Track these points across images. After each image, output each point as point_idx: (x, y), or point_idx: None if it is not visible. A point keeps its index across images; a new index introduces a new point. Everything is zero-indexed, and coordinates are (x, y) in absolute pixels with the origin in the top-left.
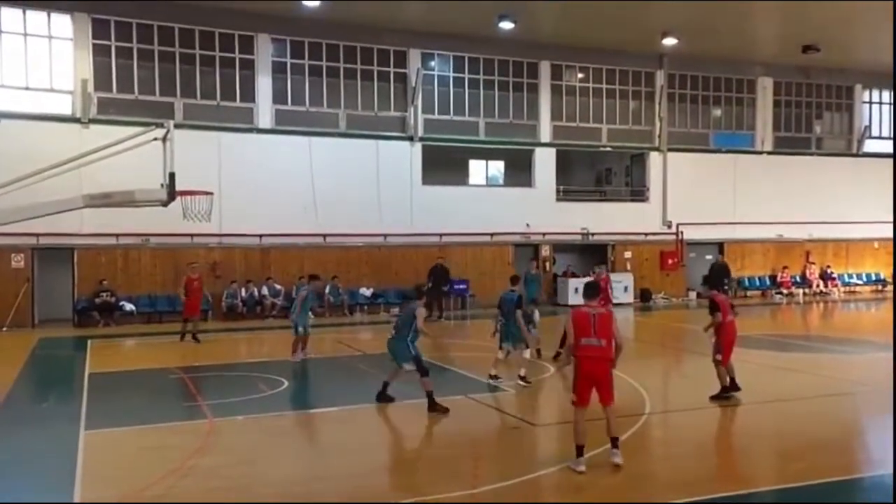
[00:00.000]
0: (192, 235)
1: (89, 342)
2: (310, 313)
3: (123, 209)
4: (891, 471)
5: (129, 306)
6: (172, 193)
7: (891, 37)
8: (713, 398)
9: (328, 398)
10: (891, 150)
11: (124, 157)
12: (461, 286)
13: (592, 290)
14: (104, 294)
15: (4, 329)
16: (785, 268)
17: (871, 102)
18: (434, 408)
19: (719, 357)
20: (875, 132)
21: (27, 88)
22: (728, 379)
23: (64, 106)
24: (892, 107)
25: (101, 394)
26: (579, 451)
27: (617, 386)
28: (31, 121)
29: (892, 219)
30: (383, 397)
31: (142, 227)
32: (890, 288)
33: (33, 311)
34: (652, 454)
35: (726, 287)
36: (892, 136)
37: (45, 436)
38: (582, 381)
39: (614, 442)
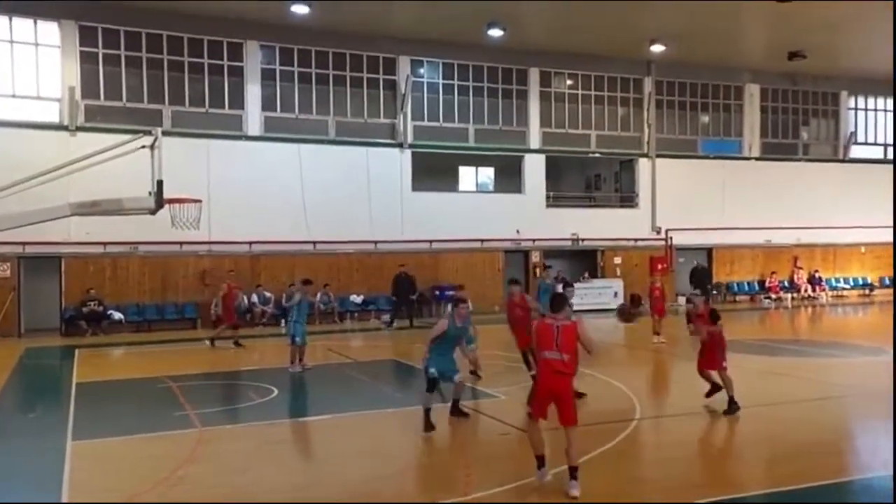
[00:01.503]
0: (181, 243)
1: (77, 351)
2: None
3: (111, 217)
4: (883, 472)
5: (117, 315)
6: (161, 201)
7: (876, 43)
8: (726, 412)
9: (319, 406)
10: (876, 156)
11: (112, 165)
12: (452, 292)
13: (558, 302)
14: (92, 303)
15: None
16: (773, 273)
17: (856, 109)
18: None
19: (725, 364)
20: (861, 138)
21: (14, 96)
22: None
23: (51, 113)
24: (893, 113)
25: (88, 403)
26: (540, 461)
27: (608, 392)
28: (17, 128)
29: (879, 224)
30: (457, 411)
31: (130, 236)
32: (877, 292)
33: (20, 321)
34: (643, 459)
35: (715, 292)
36: (887, 141)
37: (31, 446)
38: (541, 395)
39: (573, 472)
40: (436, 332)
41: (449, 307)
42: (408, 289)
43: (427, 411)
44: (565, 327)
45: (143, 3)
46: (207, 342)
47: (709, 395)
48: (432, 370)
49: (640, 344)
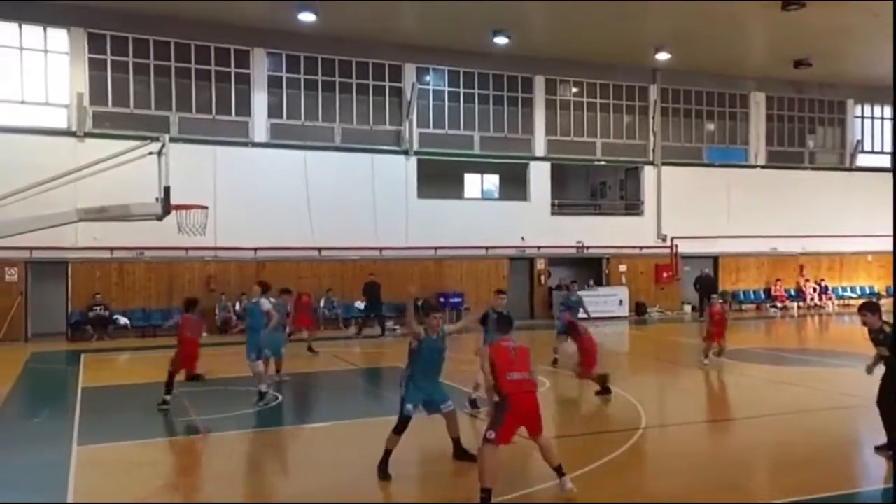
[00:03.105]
0: (186, 249)
1: (82, 356)
2: (285, 331)
3: (118, 223)
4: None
5: (123, 320)
6: (167, 207)
7: (882, 51)
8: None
9: (324, 413)
10: (883, 165)
11: (119, 171)
12: (456, 299)
13: (507, 324)
14: (98, 308)
15: None
16: (778, 280)
17: (862, 117)
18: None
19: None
20: (867, 146)
21: (23, 102)
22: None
23: (59, 119)
24: (893, 120)
25: (94, 408)
26: (488, 494)
27: (613, 400)
28: (26, 134)
29: (885, 233)
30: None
31: (136, 241)
32: (884, 301)
33: (26, 325)
34: (648, 468)
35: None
36: (892, 149)
37: (37, 451)
38: (516, 417)
39: (559, 470)
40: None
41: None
42: (376, 296)
43: (388, 454)
44: (519, 349)
45: (152, 11)
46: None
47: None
48: (409, 406)
49: (644, 352)
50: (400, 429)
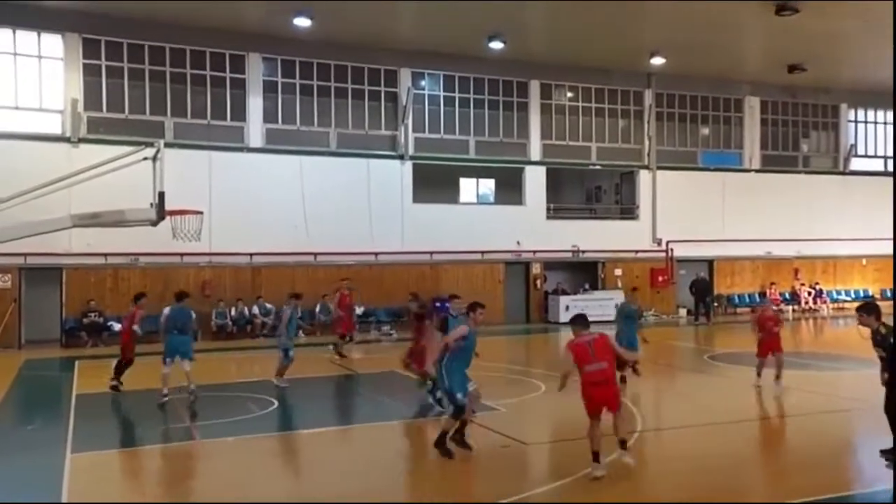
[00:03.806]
0: (181, 255)
1: (77, 363)
2: (298, 334)
3: (113, 228)
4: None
5: (117, 326)
6: (162, 213)
7: (875, 55)
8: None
9: (319, 418)
10: (876, 169)
11: (114, 177)
12: (446, 304)
13: (584, 322)
14: (92, 314)
15: None
16: (772, 284)
17: (856, 121)
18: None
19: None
20: (861, 150)
21: (17, 108)
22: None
23: (54, 125)
24: (893, 120)
25: (88, 415)
26: (595, 456)
27: None
28: (20, 140)
29: (879, 236)
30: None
31: (131, 247)
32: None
33: (20, 332)
34: (645, 471)
35: (715, 303)
36: (887, 154)
37: (31, 458)
38: (590, 404)
39: (623, 444)
40: (455, 336)
41: (463, 313)
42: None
43: (444, 435)
44: (596, 339)
45: (147, 16)
46: (335, 355)
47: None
48: (460, 395)
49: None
50: (457, 415)
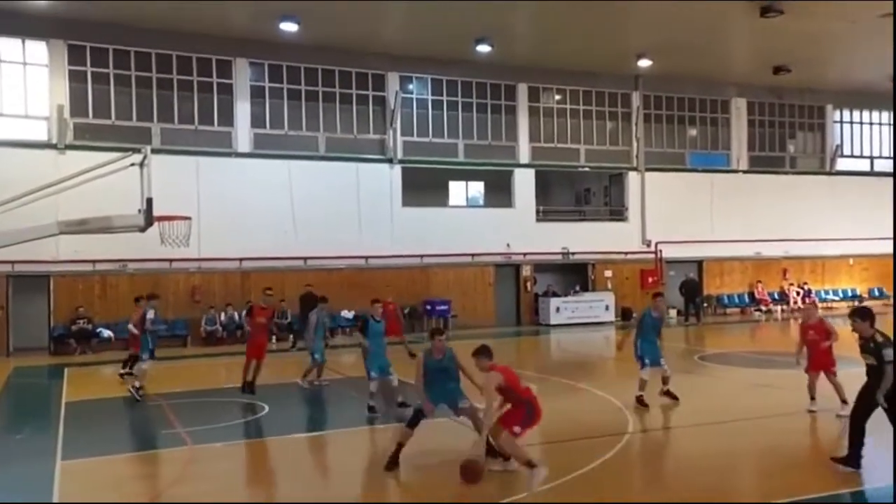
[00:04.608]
0: (170, 261)
1: (66, 370)
2: (326, 337)
3: (100, 235)
4: (880, 484)
5: (106, 333)
6: (150, 219)
7: (859, 57)
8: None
9: (310, 423)
10: (862, 169)
11: (101, 183)
12: (443, 307)
13: (488, 350)
14: (81, 321)
15: None
16: (759, 282)
17: (841, 122)
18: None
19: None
20: (846, 151)
21: (2, 115)
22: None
23: (39, 132)
24: (893, 120)
25: (77, 422)
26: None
27: (601, 406)
28: (5, 147)
29: (866, 236)
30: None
31: (119, 254)
32: (866, 304)
33: (8, 340)
34: (635, 472)
35: (705, 304)
36: (872, 154)
37: (20, 466)
38: (535, 422)
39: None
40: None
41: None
42: (312, 308)
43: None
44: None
45: (132, 22)
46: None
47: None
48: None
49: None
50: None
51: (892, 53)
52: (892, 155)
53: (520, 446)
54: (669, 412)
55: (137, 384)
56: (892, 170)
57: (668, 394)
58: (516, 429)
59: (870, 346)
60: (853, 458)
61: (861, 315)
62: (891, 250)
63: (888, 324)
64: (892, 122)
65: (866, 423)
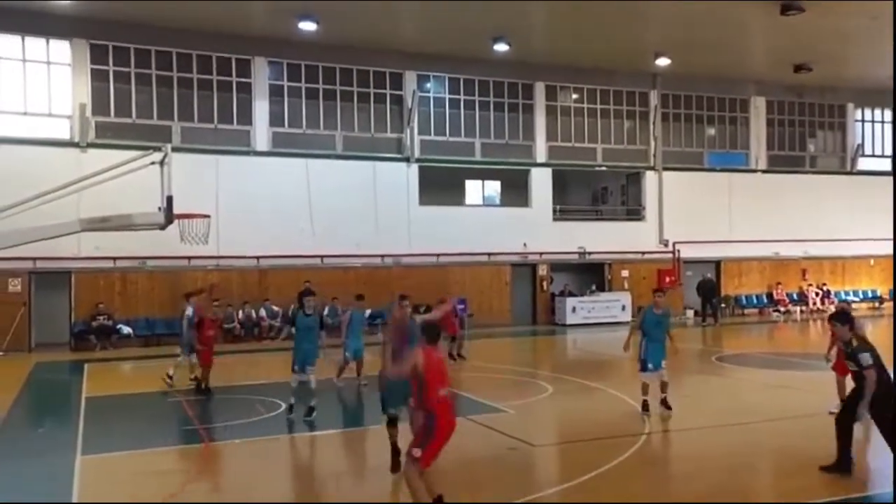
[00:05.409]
0: (189, 258)
1: (86, 366)
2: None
3: (121, 232)
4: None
5: (126, 329)
6: (170, 216)
7: (881, 54)
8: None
9: (327, 421)
10: (884, 168)
11: (122, 181)
12: (460, 306)
13: (436, 333)
14: (101, 317)
15: (1, 353)
16: (778, 283)
17: (863, 121)
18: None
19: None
20: (868, 150)
21: (25, 113)
22: None
23: (62, 130)
24: (893, 123)
25: (97, 418)
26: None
27: (617, 406)
28: (29, 145)
29: (887, 236)
30: None
31: (139, 251)
32: (887, 305)
33: (30, 335)
34: (652, 473)
35: (722, 304)
36: (892, 151)
37: (41, 461)
38: (439, 442)
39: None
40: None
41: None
42: None
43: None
44: (441, 359)
45: (153, 21)
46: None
47: None
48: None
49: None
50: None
51: (892, 53)
52: (892, 155)
53: (418, 479)
54: (685, 414)
55: (171, 372)
56: None
57: (663, 402)
58: (415, 451)
59: (847, 352)
60: (843, 463)
61: (840, 319)
62: None
63: (884, 329)
64: (892, 122)
65: (852, 426)
